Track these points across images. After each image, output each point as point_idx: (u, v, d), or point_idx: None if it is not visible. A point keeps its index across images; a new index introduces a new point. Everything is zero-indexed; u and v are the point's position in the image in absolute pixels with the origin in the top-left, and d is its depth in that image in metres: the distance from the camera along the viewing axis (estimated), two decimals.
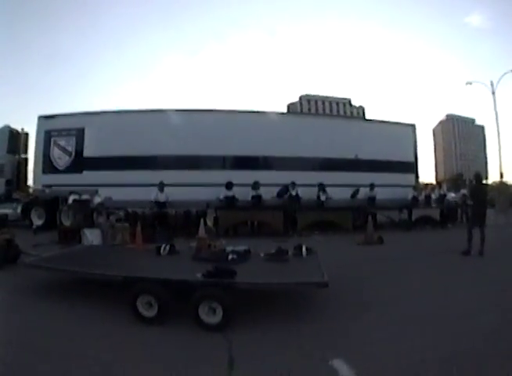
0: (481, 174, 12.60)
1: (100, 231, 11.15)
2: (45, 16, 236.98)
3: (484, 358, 3.84)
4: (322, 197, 15.31)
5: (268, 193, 14.97)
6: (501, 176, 26.63)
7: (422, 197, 17.91)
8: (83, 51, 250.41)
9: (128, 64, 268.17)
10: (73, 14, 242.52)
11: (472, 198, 11.05)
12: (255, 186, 14.74)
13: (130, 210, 13.56)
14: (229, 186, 14.56)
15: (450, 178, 77.20)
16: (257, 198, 14.70)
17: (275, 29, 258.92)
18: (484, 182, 13.43)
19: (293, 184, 15.03)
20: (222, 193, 14.55)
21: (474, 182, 12.07)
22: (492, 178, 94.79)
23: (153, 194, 13.86)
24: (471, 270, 8.31)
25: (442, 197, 17.60)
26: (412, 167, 18.73)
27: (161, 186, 13.90)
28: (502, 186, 29.87)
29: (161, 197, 13.88)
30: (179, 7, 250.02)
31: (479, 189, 11.02)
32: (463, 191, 17.80)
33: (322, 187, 15.31)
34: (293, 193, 15.01)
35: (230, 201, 14.54)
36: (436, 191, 18.70)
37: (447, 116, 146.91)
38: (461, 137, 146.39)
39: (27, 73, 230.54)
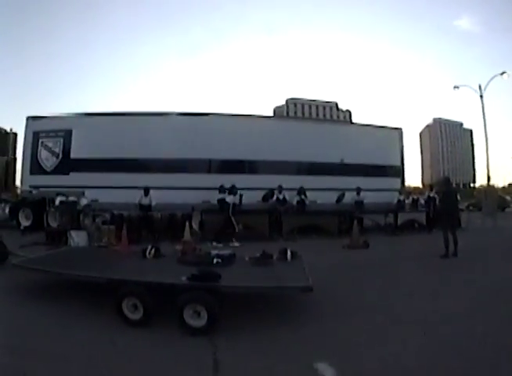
0: (450, 178, 12.72)
1: (86, 233, 11.17)
2: (36, 17, 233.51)
3: (470, 362, 3.92)
4: (307, 201, 15.36)
5: (253, 197, 15.00)
6: (488, 180, 26.77)
7: (409, 201, 18.04)
8: (72, 52, 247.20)
9: (117, 66, 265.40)
10: (60, 16, 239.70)
11: (442, 202, 11.20)
12: (221, 189, 14.68)
13: (116, 212, 13.55)
14: (222, 189, 14.57)
15: (436, 182, 77.58)
16: (223, 202, 14.63)
17: (266, 29, 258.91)
18: (453, 185, 13.50)
19: (281, 188, 15.03)
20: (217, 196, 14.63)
21: (443, 186, 12.16)
22: (480, 181, 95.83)
23: (137, 197, 13.90)
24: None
25: (430, 199, 17.44)
26: (398, 171, 18.89)
27: (146, 190, 13.93)
28: (489, 189, 30.06)
29: (145, 201, 13.92)
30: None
31: (449, 193, 11.18)
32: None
33: (302, 190, 15.35)
34: (280, 196, 15.01)
35: (223, 205, 14.55)
36: (427, 193, 18.67)
37: (434, 120, 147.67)
38: (448, 141, 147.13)
39: (16, 72, 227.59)
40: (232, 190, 14.28)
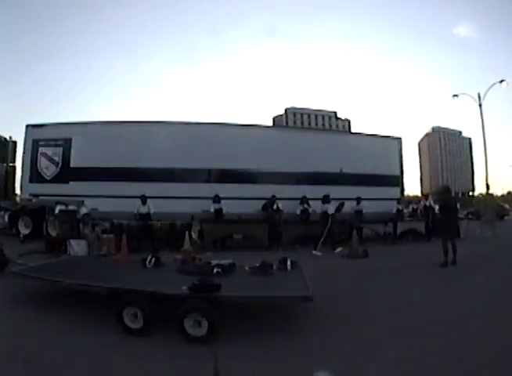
0: (449, 186, 12.76)
1: (86, 242, 11.18)
2: (36, 23, 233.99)
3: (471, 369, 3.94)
4: (310, 210, 15.33)
5: (252, 207, 15.03)
6: (487, 188, 26.76)
7: (409, 210, 18.08)
8: (73, 60, 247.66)
9: (118, 74, 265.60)
10: (60, 23, 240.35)
11: (442, 211, 11.23)
12: (216, 199, 14.78)
13: (115, 221, 13.56)
14: (216, 199, 14.70)
15: (435, 191, 77.49)
16: (219, 211, 14.73)
17: (264, 37, 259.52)
18: (452, 194, 13.55)
19: (274, 197, 14.98)
20: (212, 206, 14.67)
21: (443, 194, 12.22)
22: (479, 189, 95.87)
23: (136, 206, 13.94)
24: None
25: (428, 208, 17.48)
26: (397, 180, 18.84)
27: (143, 199, 13.96)
28: (488, 198, 30.03)
29: (143, 209, 13.95)
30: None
31: (449, 202, 11.23)
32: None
33: (305, 200, 15.37)
34: (274, 206, 14.94)
35: (218, 214, 14.65)
36: (422, 202, 18.82)
37: (433, 128, 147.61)
38: (447, 150, 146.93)
39: (16, 79, 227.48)
40: (327, 199, 14.68)
